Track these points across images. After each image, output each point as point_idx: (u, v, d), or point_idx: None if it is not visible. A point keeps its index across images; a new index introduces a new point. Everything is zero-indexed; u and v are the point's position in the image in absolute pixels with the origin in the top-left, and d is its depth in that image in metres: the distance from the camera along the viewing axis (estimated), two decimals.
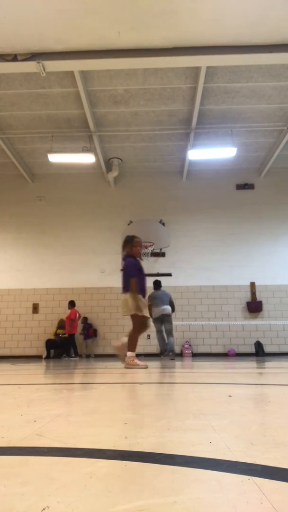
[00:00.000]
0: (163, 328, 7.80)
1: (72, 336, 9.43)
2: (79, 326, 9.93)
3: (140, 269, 4.70)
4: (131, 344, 4.44)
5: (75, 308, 9.68)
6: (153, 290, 7.88)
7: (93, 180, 11.29)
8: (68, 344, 9.44)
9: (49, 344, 9.78)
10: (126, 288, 4.50)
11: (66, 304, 10.45)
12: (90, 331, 10.08)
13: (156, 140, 9.83)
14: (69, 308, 9.67)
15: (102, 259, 10.74)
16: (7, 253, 10.91)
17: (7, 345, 10.26)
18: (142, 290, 4.57)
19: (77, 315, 9.61)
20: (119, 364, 5.04)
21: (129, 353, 4.40)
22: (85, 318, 10.17)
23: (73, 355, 9.38)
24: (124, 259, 4.71)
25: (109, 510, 0.55)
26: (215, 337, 10.14)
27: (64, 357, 9.36)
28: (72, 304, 9.71)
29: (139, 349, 10.62)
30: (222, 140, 9.47)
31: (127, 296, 4.45)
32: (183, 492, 0.61)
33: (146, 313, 4.51)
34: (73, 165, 10.58)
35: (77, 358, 9.10)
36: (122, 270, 4.66)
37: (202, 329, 10.15)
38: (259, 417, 1.29)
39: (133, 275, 4.51)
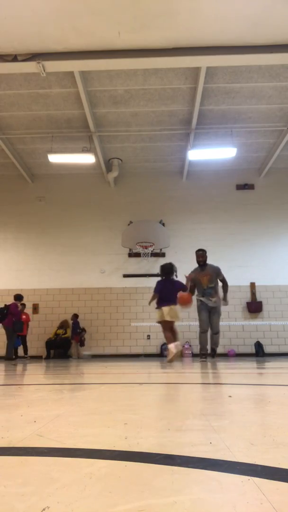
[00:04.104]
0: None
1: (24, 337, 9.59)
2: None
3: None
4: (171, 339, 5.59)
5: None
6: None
7: (93, 180, 11.29)
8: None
9: (49, 344, 9.79)
10: (175, 301, 5.67)
11: (66, 304, 10.45)
12: (76, 338, 9.83)
13: (156, 140, 9.83)
14: (22, 310, 9.69)
15: (102, 259, 10.74)
16: (7, 253, 10.91)
17: None
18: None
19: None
20: (116, 366, 5.03)
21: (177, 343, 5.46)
22: (75, 316, 10.00)
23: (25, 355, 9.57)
24: (171, 281, 5.95)
25: (109, 510, 0.55)
26: None
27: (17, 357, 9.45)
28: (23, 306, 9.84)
29: (139, 349, 10.65)
30: (222, 140, 9.47)
31: (177, 307, 5.69)
32: (183, 493, 0.61)
33: None
34: (73, 165, 10.58)
35: (27, 358, 9.38)
36: (169, 287, 5.80)
37: None
38: (259, 418, 1.29)
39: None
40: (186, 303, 5.62)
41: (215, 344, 6.61)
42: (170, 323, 5.69)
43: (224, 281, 6.47)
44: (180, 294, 5.69)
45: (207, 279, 6.36)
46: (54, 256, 10.79)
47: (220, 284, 6.51)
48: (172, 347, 5.37)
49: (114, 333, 10.28)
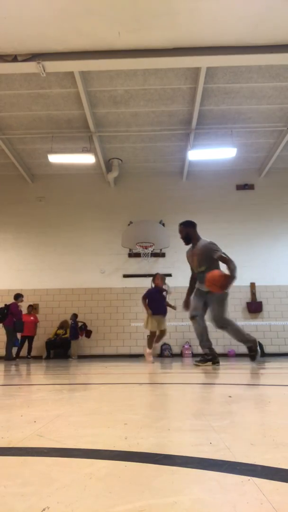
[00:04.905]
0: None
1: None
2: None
3: (155, 294, 6.48)
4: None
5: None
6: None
7: (93, 180, 11.29)
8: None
9: (49, 344, 9.79)
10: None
11: (66, 304, 10.44)
12: (81, 333, 9.92)
13: (156, 140, 9.83)
14: (30, 312, 9.86)
15: (102, 259, 10.74)
16: (7, 253, 10.91)
17: None
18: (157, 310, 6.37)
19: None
20: (116, 366, 5.02)
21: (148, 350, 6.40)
22: (75, 315, 9.98)
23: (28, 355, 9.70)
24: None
25: (109, 510, 0.55)
26: (215, 338, 10.04)
27: (28, 357, 9.65)
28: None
29: (139, 349, 10.67)
30: (222, 140, 9.47)
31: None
32: (183, 493, 0.61)
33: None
34: (73, 165, 10.58)
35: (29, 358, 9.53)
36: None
37: None
38: (259, 418, 1.29)
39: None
40: (212, 281, 4.57)
41: (238, 338, 4.81)
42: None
43: (224, 259, 4.91)
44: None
45: (196, 260, 5.06)
46: (54, 256, 10.79)
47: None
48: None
49: (114, 333, 10.27)
